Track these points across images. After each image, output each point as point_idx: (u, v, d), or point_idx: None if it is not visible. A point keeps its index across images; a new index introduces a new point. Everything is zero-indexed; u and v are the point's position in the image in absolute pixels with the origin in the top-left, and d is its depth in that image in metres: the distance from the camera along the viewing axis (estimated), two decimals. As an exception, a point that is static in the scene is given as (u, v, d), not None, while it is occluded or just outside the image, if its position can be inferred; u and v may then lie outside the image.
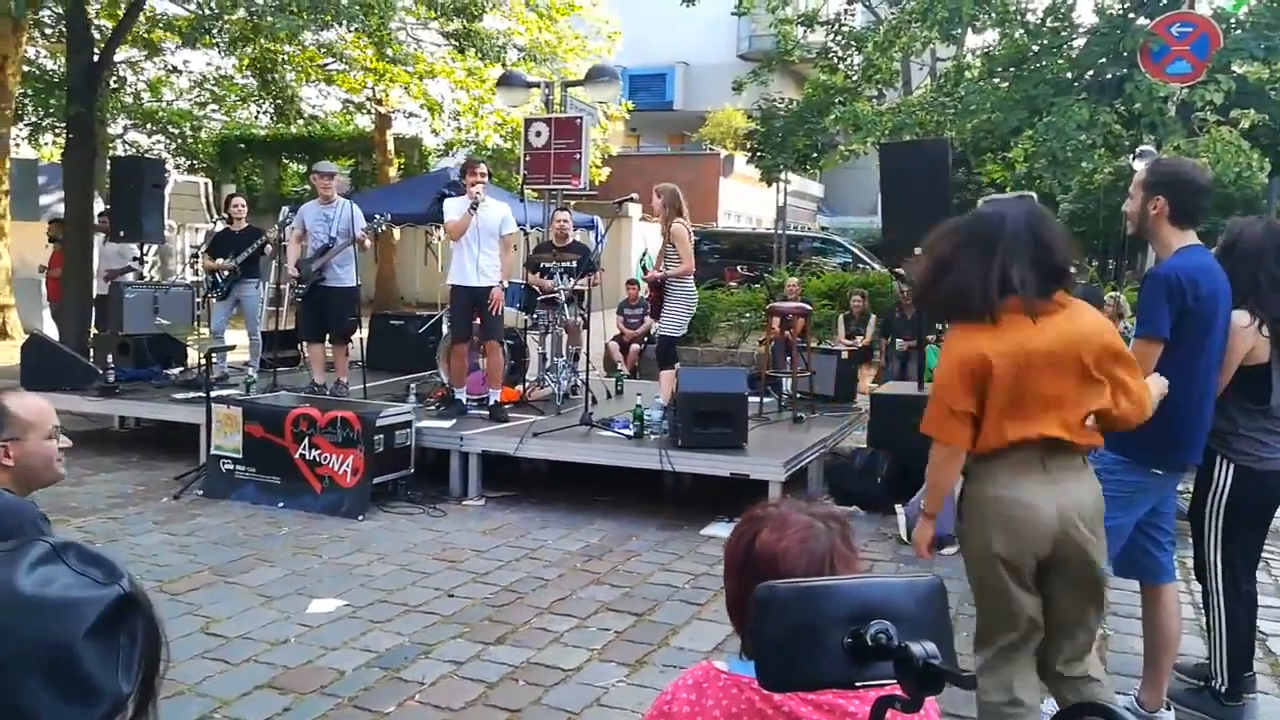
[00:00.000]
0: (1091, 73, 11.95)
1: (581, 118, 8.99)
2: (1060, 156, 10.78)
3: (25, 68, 14.44)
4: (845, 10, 16.43)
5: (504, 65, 14.12)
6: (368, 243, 7.42)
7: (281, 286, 7.77)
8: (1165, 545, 3.20)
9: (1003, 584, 2.44)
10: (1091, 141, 11.00)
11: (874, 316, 11.11)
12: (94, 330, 9.73)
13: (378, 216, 7.55)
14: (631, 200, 7.54)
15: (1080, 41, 12.26)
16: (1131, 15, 11.56)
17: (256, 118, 20.65)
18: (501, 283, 6.73)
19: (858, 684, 1.02)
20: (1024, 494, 2.40)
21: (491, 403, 6.79)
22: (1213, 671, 3.33)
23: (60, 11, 12.55)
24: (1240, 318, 3.10)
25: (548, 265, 7.55)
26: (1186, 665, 3.63)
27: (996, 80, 12.74)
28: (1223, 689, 3.30)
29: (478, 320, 6.81)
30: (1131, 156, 12.83)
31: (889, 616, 1.01)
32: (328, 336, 7.43)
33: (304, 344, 7.91)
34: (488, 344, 6.86)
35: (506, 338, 7.54)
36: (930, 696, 1.02)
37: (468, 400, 6.95)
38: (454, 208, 6.80)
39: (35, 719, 0.72)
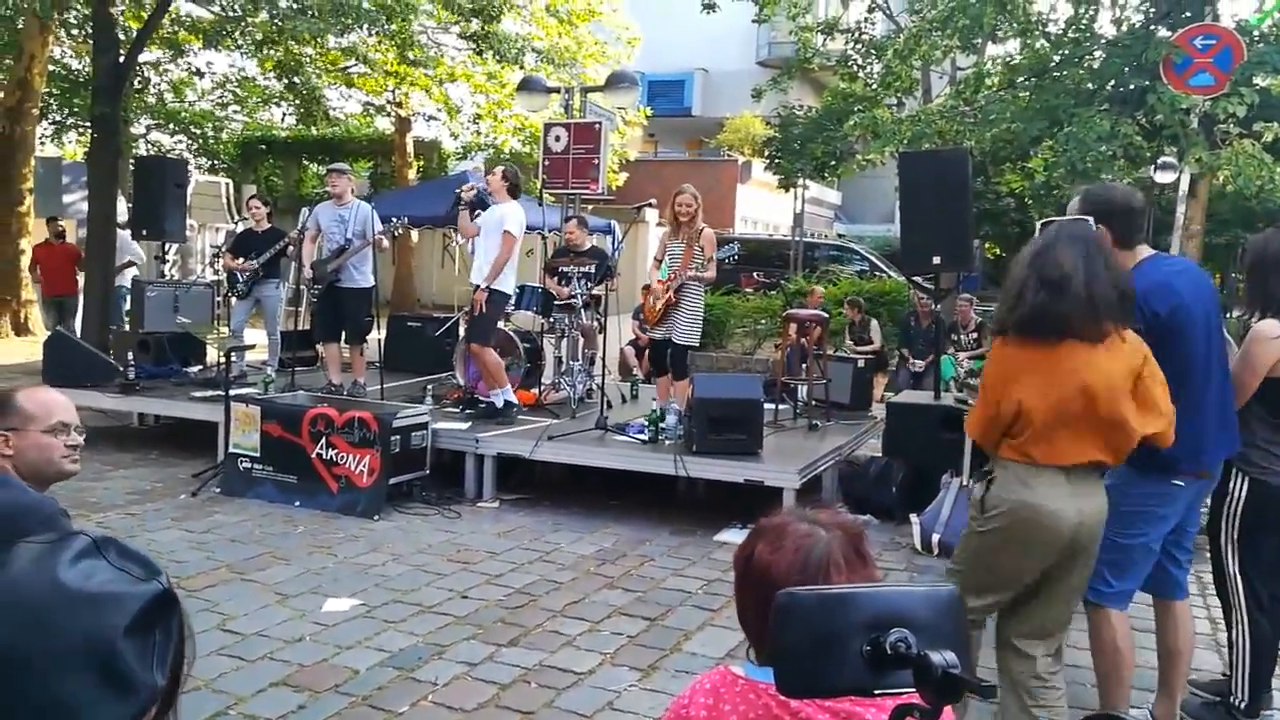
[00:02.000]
0: (1113, 84, 11.89)
1: (600, 123, 9.02)
2: (1080, 167, 10.72)
3: (51, 67, 14.61)
4: (865, 18, 16.42)
5: (523, 68, 14.17)
6: (385, 244, 7.46)
7: (301, 287, 7.82)
8: (1183, 563, 3.19)
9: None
10: (1112, 153, 10.94)
11: (874, 321, 11.10)
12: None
13: (394, 220, 7.59)
14: (650, 205, 7.55)
15: (1102, 53, 12.20)
16: (1154, 27, 11.51)
17: (282, 120, 20.81)
18: (482, 286, 6.54)
19: (876, 692, 1.03)
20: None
21: (497, 404, 6.75)
22: (1233, 686, 3.31)
23: (86, 12, 12.69)
24: (1270, 328, 3.09)
25: (565, 270, 7.57)
26: (1202, 680, 3.61)
27: (1017, 90, 12.69)
28: (1242, 705, 3.28)
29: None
30: (1153, 168, 12.79)
31: (907, 625, 1.02)
32: (343, 336, 7.48)
33: (320, 344, 7.96)
34: (470, 345, 6.72)
35: (523, 340, 7.56)
36: (948, 705, 1.02)
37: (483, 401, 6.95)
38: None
39: (76, 712, 0.73)
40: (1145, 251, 3.01)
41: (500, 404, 6.77)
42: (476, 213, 6.89)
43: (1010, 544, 2.69)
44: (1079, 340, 2.57)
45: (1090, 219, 2.87)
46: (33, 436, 2.18)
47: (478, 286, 6.63)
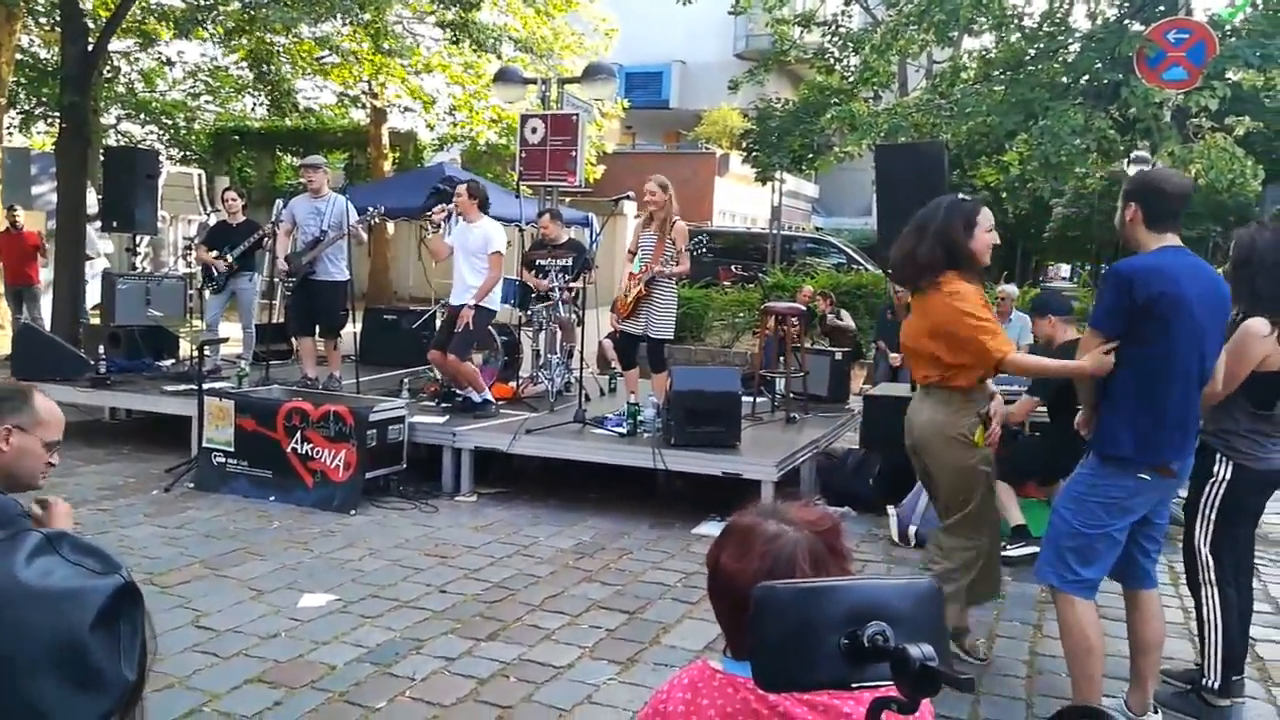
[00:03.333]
0: (1087, 77, 11.98)
1: (578, 115, 8.97)
2: (1054, 160, 10.80)
3: (19, 56, 14.36)
4: (842, 11, 16.44)
5: (500, 57, 14.07)
6: (363, 236, 7.40)
7: (275, 280, 7.74)
8: (1151, 554, 3.23)
9: None
10: (1086, 146, 11.03)
11: (844, 311, 11.16)
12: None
13: (370, 209, 7.53)
14: (627, 198, 7.53)
15: (1077, 46, 12.29)
16: (1127, 21, 11.60)
17: (253, 110, 20.55)
18: (469, 304, 6.55)
19: (854, 685, 1.02)
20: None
21: (475, 399, 6.73)
22: (1205, 668, 3.35)
23: (55, 0, 12.47)
24: (1260, 326, 3.14)
25: (543, 263, 7.53)
26: (1175, 670, 3.66)
27: (992, 83, 12.76)
28: (1215, 685, 3.32)
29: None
30: (1125, 161, 12.90)
31: (885, 618, 1.01)
32: (318, 330, 7.41)
33: (295, 338, 7.89)
34: (448, 356, 6.69)
35: (501, 334, 7.52)
36: (926, 698, 1.02)
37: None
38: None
39: (47, 713, 0.71)
40: (1168, 240, 2.99)
41: (478, 400, 6.74)
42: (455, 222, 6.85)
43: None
44: (911, 290, 3.54)
45: (969, 198, 3.60)
46: (34, 444, 2.17)
47: (463, 305, 6.57)
